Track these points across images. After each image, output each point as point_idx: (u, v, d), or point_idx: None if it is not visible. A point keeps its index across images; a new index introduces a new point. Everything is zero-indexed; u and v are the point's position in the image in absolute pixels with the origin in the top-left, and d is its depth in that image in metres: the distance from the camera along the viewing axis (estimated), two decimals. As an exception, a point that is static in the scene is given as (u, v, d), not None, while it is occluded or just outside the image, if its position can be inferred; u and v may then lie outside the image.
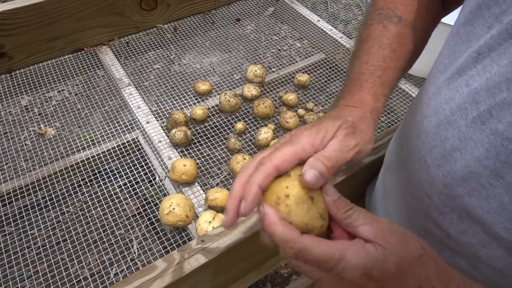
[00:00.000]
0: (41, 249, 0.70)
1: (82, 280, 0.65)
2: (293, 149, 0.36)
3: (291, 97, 0.95)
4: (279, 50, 1.21)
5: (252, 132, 0.89)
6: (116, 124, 0.88)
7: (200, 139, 0.88)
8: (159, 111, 0.92)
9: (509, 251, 0.33)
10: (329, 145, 0.36)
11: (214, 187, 0.81)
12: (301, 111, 0.93)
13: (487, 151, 0.31)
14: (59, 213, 0.77)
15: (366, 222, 0.32)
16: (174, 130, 0.82)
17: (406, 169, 0.43)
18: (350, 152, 0.37)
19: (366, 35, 0.47)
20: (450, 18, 0.54)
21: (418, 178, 0.39)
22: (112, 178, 0.79)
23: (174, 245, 0.68)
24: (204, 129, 0.90)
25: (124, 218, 0.75)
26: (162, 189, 0.79)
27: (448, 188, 0.35)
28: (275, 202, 0.34)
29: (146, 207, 0.79)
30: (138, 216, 0.81)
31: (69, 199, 0.79)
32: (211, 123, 0.91)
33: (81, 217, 0.76)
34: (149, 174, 0.80)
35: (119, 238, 0.73)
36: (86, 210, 0.77)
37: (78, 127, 0.94)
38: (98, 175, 0.82)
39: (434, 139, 0.36)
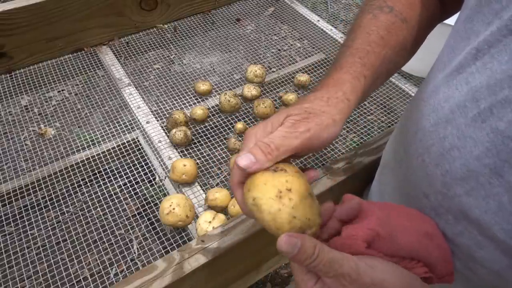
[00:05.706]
0: (41, 249, 0.70)
1: (82, 280, 0.65)
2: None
3: (291, 97, 0.95)
4: (279, 50, 1.21)
5: (252, 132, 0.89)
6: (116, 124, 0.88)
7: (200, 139, 0.87)
8: (159, 111, 0.92)
9: (506, 253, 0.32)
10: (274, 132, 0.36)
11: (214, 187, 0.81)
12: (301, 111, 0.93)
13: (487, 149, 0.30)
14: (59, 213, 0.77)
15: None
16: (174, 130, 0.82)
17: (403, 168, 0.42)
18: (298, 138, 0.35)
19: (355, 26, 0.46)
20: (451, 19, 0.54)
21: (415, 177, 0.39)
22: (112, 178, 0.79)
23: (174, 245, 0.68)
24: (204, 129, 0.90)
25: (124, 218, 0.75)
26: (162, 189, 0.79)
27: (446, 187, 0.35)
28: (276, 195, 0.33)
29: (146, 207, 0.79)
30: (138, 216, 0.81)
31: (69, 199, 0.79)
32: (211, 123, 0.91)
33: (81, 217, 0.76)
34: (149, 174, 0.80)
35: (119, 238, 0.73)
36: (86, 210, 0.77)
37: (78, 127, 0.94)
38: (98, 175, 0.82)
39: (432, 137, 0.36)
